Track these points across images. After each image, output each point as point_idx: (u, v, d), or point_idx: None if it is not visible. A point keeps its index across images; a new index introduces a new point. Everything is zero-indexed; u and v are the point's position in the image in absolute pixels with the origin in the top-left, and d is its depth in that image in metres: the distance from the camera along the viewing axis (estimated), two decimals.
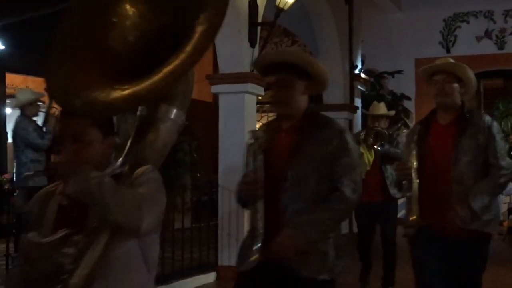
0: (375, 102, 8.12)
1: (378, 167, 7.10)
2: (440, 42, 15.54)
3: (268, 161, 3.35)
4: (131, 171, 2.30)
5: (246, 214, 3.45)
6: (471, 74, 4.58)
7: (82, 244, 2.14)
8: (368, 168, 7.12)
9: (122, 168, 2.34)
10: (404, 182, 4.57)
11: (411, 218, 4.14)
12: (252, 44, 8.44)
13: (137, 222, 2.12)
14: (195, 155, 12.34)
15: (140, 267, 2.31)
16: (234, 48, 8.36)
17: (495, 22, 15.08)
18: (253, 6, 8.44)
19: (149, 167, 2.34)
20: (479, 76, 15.44)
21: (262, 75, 3.67)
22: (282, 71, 3.39)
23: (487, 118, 4.39)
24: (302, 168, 3.29)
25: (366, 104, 12.96)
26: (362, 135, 7.31)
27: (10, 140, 15.07)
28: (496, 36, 15.09)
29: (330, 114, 12.20)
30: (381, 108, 7.75)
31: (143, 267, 2.33)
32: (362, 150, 7.10)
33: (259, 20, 8.58)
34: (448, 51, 15.46)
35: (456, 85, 4.47)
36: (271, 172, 3.32)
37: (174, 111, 2.47)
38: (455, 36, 15.47)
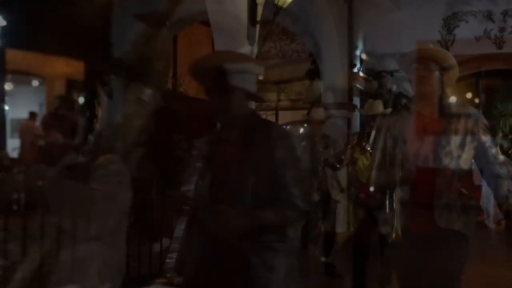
0: (370, 100, 7.94)
1: None
2: (439, 41, 15.52)
3: (215, 175, 3.16)
4: (92, 161, 2.14)
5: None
6: (453, 60, 4.06)
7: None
8: (364, 172, 6.98)
9: (82, 158, 2.18)
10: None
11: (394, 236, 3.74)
12: (251, 42, 8.43)
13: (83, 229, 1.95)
14: (194, 153, 12.33)
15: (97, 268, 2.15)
16: (233, 47, 8.34)
17: (494, 22, 15.07)
18: (252, 4, 8.43)
19: (111, 157, 2.17)
20: (477, 75, 15.54)
21: (197, 81, 3.38)
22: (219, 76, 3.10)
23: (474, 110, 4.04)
24: (248, 180, 3.03)
25: (364, 103, 12.98)
26: (355, 139, 7.45)
27: (10, 116, 15.09)
28: (495, 35, 15.08)
29: (329, 113, 12.23)
30: (377, 107, 7.57)
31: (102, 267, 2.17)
32: (355, 155, 7.07)
33: (258, 18, 8.56)
34: (447, 50, 15.45)
35: (437, 73, 4.01)
36: (217, 187, 3.13)
37: (146, 91, 2.31)
38: (454, 35, 15.46)
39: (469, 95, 16.33)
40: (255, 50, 8.59)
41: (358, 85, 12.61)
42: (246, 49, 8.41)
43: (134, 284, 6.78)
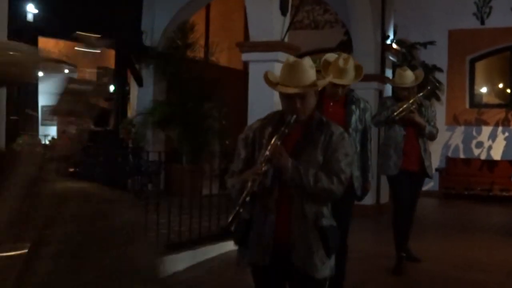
0: (399, 70, 7.27)
1: (415, 138, 7.03)
2: (474, 14, 15.31)
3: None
4: None
5: None
6: None
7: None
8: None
9: None
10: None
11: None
12: (284, 12, 8.40)
13: None
14: (224, 122, 12.39)
15: None
16: (265, 16, 8.33)
17: None
18: None
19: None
20: None
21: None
22: None
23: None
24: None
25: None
26: (393, 112, 6.98)
27: (42, 103, 15.29)
28: None
29: (359, 84, 12.15)
30: (408, 77, 7.07)
31: None
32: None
33: None
34: (482, 22, 15.24)
35: None
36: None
37: None
38: (490, 8, 15.22)
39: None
40: (288, 20, 8.55)
41: (390, 57, 12.50)
42: (278, 19, 8.38)
43: (167, 249, 6.90)
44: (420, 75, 7.14)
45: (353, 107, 5.55)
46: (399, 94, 7.19)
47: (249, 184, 3.26)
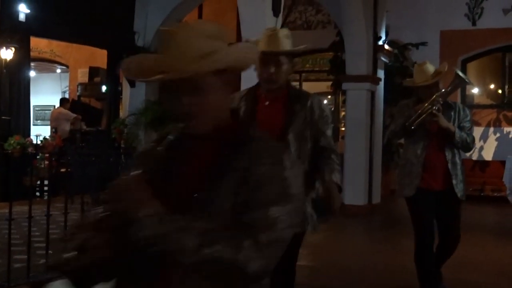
0: (417, 67, 5.76)
1: (441, 148, 5.54)
2: (466, 14, 15.37)
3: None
4: None
5: None
6: None
7: None
8: None
9: None
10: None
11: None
12: (276, 13, 8.40)
13: None
14: None
15: None
16: (258, 17, 8.33)
17: None
18: None
19: None
20: (505, 49, 15.37)
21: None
22: None
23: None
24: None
25: (389, 76, 12.90)
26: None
27: (33, 103, 15.25)
28: None
29: (352, 85, 12.21)
30: (428, 72, 5.60)
31: None
32: None
33: None
34: (474, 23, 15.30)
35: None
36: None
37: None
38: (482, 9, 15.28)
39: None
40: (280, 21, 8.56)
41: (383, 58, 12.53)
42: (270, 19, 8.39)
43: None
44: (443, 67, 5.63)
45: (297, 106, 3.86)
46: (422, 95, 5.52)
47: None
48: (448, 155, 5.47)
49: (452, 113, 5.50)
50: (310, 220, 3.87)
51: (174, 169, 2.00)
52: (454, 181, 5.44)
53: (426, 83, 5.47)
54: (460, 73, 5.65)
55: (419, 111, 5.37)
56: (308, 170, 3.79)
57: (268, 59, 3.71)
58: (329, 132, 3.94)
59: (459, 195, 5.47)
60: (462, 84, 5.78)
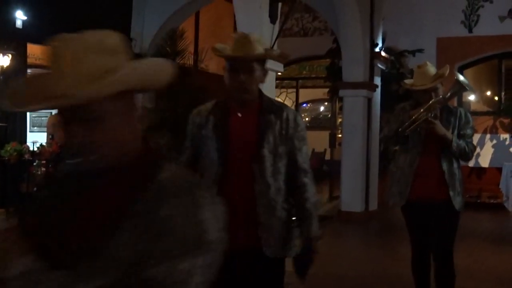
0: (416, 69, 5.30)
1: (436, 157, 5.07)
2: (462, 21, 15.39)
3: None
4: None
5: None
6: None
7: None
8: None
9: None
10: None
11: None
12: (273, 20, 8.41)
13: None
14: None
15: None
16: (255, 24, 8.33)
17: None
18: None
19: None
20: (501, 56, 15.40)
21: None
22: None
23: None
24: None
25: (386, 83, 12.92)
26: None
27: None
28: None
29: (349, 92, 12.22)
30: (429, 75, 5.12)
31: None
32: None
33: None
34: (470, 30, 15.33)
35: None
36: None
37: None
38: (478, 16, 15.31)
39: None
40: (277, 28, 8.57)
41: (379, 65, 12.55)
42: (267, 26, 8.40)
43: None
44: (445, 70, 5.16)
45: (272, 118, 3.40)
46: (420, 99, 5.07)
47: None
48: (445, 163, 4.98)
49: (452, 119, 5.05)
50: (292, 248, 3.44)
51: (65, 212, 1.60)
52: (451, 193, 4.94)
53: (424, 87, 5.00)
54: (461, 78, 5.19)
55: (414, 117, 4.93)
56: (283, 188, 3.38)
57: (239, 65, 3.34)
58: (305, 149, 3.46)
59: (457, 207, 4.98)
60: (462, 91, 5.33)
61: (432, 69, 5.19)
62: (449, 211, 4.98)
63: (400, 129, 4.99)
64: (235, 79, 3.32)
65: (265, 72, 3.41)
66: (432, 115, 4.91)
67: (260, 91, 3.44)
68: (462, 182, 5.11)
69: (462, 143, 4.97)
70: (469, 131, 5.11)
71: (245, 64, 3.30)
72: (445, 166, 4.98)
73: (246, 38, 3.34)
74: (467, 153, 5.04)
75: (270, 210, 3.32)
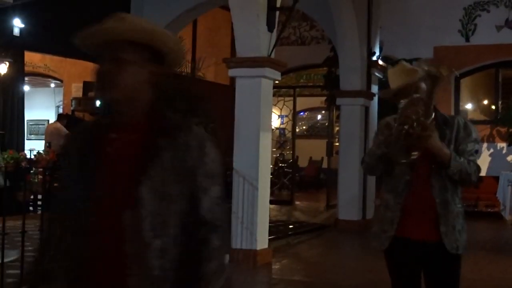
0: (389, 69, 4.01)
1: (428, 182, 3.70)
2: (459, 31, 15.43)
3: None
4: None
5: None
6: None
7: None
8: None
9: None
10: None
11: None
12: (270, 28, 8.42)
13: None
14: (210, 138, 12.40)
15: None
16: (252, 32, 8.35)
17: None
18: None
19: None
20: (498, 65, 15.44)
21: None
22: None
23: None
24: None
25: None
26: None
27: (27, 118, 15.21)
28: None
29: (346, 100, 12.24)
30: (400, 74, 3.86)
31: None
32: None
33: (278, 4, 8.55)
34: (467, 39, 15.36)
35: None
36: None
37: None
38: (475, 25, 15.35)
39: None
40: (274, 36, 8.58)
41: (376, 73, 12.57)
42: (265, 35, 8.41)
43: None
44: (424, 67, 3.71)
45: (164, 143, 2.18)
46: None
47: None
48: (437, 191, 3.65)
49: (448, 131, 3.70)
50: None
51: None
52: (442, 228, 3.63)
53: (401, 85, 3.77)
54: (427, 68, 3.64)
55: (387, 142, 3.64)
56: (173, 259, 2.13)
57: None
58: (215, 191, 2.21)
59: (448, 247, 3.64)
60: (436, 82, 3.60)
61: (408, 65, 3.97)
62: (446, 255, 3.67)
63: (383, 155, 3.69)
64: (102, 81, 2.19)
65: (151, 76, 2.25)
66: (418, 124, 3.48)
67: (152, 104, 2.31)
68: (461, 216, 3.78)
69: (463, 162, 3.61)
70: (470, 146, 3.72)
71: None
72: (436, 193, 3.65)
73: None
74: (470, 174, 3.65)
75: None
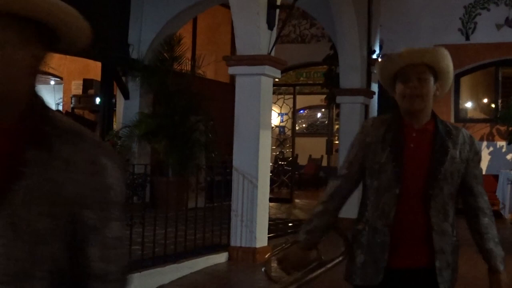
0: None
1: (421, 202, 3.02)
2: (459, 29, 15.42)
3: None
4: None
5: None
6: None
7: None
8: None
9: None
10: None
11: None
12: (270, 26, 8.42)
13: None
14: (210, 135, 12.39)
15: None
16: (252, 30, 8.35)
17: None
18: None
19: None
20: (498, 64, 15.43)
21: None
22: None
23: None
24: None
25: (383, 90, 12.95)
26: None
27: None
28: None
29: (346, 98, 12.24)
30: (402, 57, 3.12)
31: None
32: None
33: (278, 2, 8.55)
34: (467, 38, 15.35)
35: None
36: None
37: None
38: (475, 23, 15.33)
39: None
40: (274, 34, 8.58)
41: (376, 72, 12.58)
42: (265, 33, 8.41)
43: (152, 263, 6.87)
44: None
45: (34, 156, 1.48)
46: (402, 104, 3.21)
47: None
48: (434, 215, 3.02)
49: (450, 145, 3.02)
50: None
51: None
52: (437, 263, 3.03)
53: (411, 61, 3.06)
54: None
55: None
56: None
57: None
58: (112, 229, 1.56)
59: (440, 281, 3.05)
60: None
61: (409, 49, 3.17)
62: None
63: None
64: None
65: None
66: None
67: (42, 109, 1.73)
68: (458, 246, 3.28)
69: (498, 244, 3.39)
70: (479, 169, 3.18)
71: None
72: (434, 219, 3.03)
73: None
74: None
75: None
